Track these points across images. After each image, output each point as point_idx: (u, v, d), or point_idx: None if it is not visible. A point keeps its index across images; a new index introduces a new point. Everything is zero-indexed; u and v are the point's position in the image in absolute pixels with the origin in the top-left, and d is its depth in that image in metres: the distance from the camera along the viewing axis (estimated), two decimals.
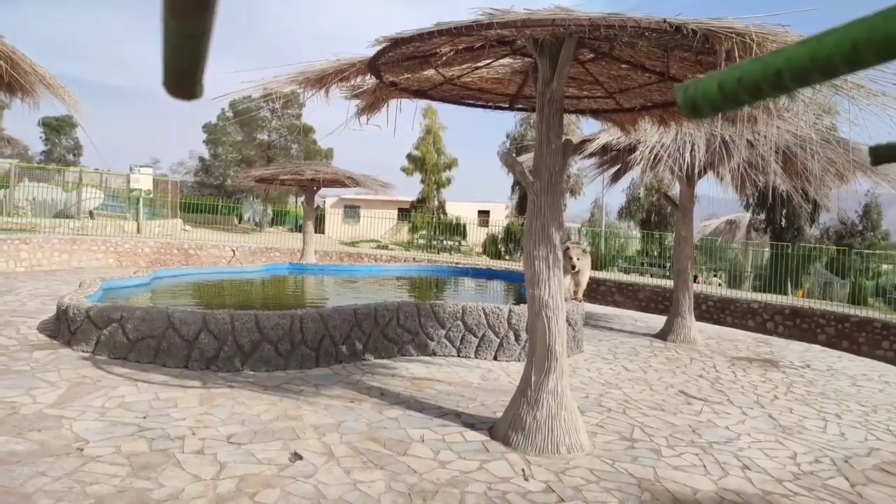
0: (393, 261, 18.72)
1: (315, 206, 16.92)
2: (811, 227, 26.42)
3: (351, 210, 36.54)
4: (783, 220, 24.99)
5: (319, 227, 27.33)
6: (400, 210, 35.89)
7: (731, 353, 8.75)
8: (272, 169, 16.40)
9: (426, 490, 3.56)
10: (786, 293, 16.39)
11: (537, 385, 4.53)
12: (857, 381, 7.47)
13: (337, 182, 16.17)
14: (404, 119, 6.53)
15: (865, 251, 21.22)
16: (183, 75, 0.47)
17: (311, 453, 4.00)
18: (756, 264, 20.02)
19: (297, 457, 3.93)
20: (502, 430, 4.57)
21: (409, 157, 36.93)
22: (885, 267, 18.94)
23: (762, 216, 26.45)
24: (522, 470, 3.98)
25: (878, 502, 3.83)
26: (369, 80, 5.91)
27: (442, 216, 32.93)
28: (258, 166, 26.58)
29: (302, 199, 17.48)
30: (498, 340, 7.36)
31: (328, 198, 38.91)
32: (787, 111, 6.91)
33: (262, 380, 5.73)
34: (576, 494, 3.64)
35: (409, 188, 41.24)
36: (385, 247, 27.66)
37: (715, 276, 20.35)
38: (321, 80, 5.72)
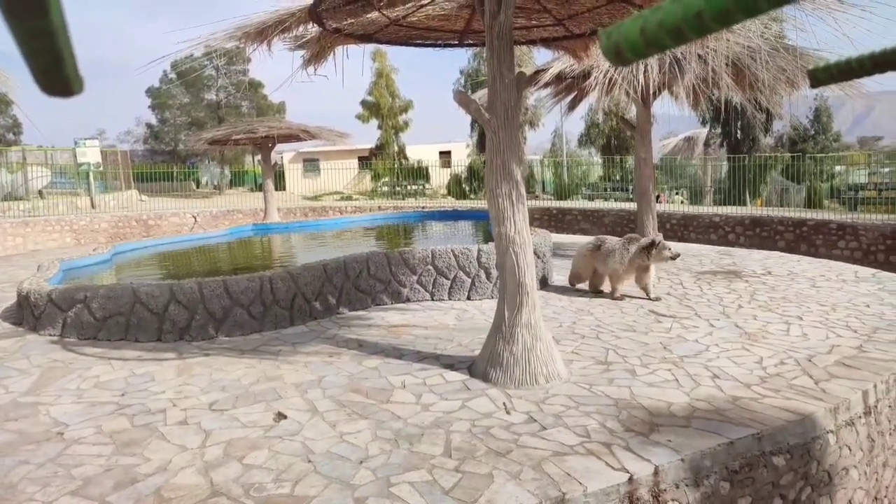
0: (358, 211, 18.57)
1: (273, 163, 16.57)
2: (766, 136, 26.83)
3: (310, 163, 35.88)
4: (738, 133, 25.30)
5: (280, 183, 26.85)
6: (360, 159, 35.32)
7: (697, 269, 8.99)
8: (224, 129, 15.92)
9: (412, 434, 3.64)
10: (745, 204, 16.77)
11: (511, 320, 4.60)
12: (816, 282, 7.76)
13: (292, 136, 15.81)
14: (353, 65, 6.35)
15: (819, 154, 21.71)
16: (49, 72, 0.43)
17: (295, 411, 4.04)
18: (715, 178, 20.37)
19: (281, 416, 3.96)
20: (481, 367, 4.66)
21: (364, 103, 36.13)
22: (837, 168, 19.44)
23: (718, 130, 26.74)
24: (504, 404, 4.09)
25: (841, 394, 4.04)
26: (312, 29, 5.69)
27: (403, 161, 32.58)
28: (210, 128, 25.73)
29: (259, 157, 17.07)
30: (470, 280, 7.42)
31: (285, 153, 38.10)
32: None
33: (238, 344, 5.71)
34: (556, 421, 3.77)
35: (367, 136, 40.54)
36: (349, 198, 27.38)
37: (677, 193, 20.66)
38: (262, 33, 5.51)
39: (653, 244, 6.93)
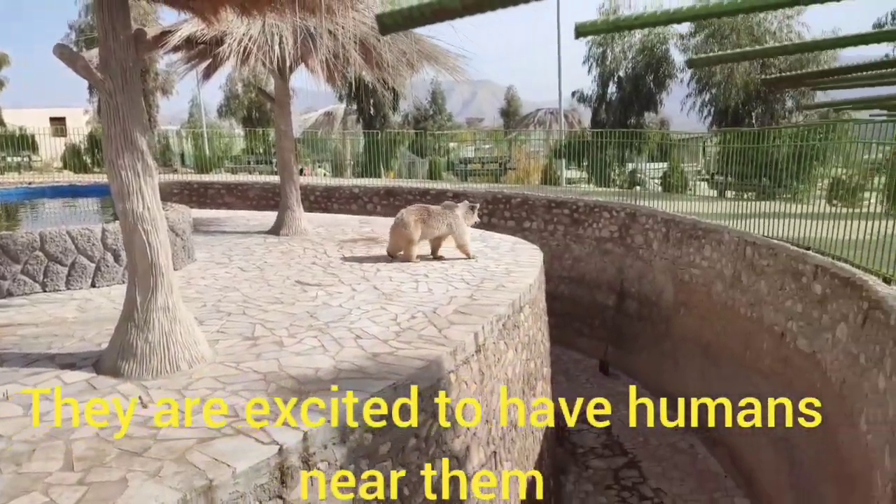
0: None
1: None
2: (394, 114, 29.45)
3: None
4: (372, 110, 27.26)
5: None
6: None
7: (339, 238, 9.46)
8: None
9: (19, 452, 3.04)
10: (380, 176, 18.22)
11: (145, 305, 4.18)
12: None
13: None
14: None
15: (437, 132, 24.78)
16: None
17: None
18: (354, 152, 21.59)
19: None
20: (110, 361, 4.13)
21: None
22: (452, 145, 22.47)
23: (354, 107, 28.37)
24: (139, 398, 3.70)
25: (458, 337, 4.72)
26: None
27: None
28: None
29: None
30: (94, 265, 6.49)
31: None
32: (359, 2, 7.30)
33: None
34: (201, 407, 3.56)
35: None
36: None
37: (320, 167, 21.33)
38: None
39: (474, 207, 7.96)
